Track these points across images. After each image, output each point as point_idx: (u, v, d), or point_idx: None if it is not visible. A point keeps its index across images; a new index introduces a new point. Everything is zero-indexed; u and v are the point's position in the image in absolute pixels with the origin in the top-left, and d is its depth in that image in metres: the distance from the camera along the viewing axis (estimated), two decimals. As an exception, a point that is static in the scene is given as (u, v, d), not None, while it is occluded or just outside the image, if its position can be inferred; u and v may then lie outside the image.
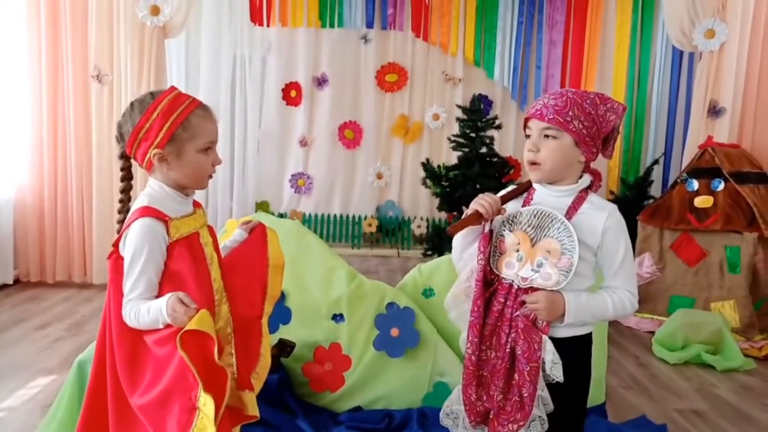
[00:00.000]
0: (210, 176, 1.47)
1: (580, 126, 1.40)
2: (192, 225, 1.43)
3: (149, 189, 1.42)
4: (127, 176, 1.49)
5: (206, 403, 1.23)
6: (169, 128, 1.37)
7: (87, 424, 1.42)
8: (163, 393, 1.28)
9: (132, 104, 1.42)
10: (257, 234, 1.60)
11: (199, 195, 5.43)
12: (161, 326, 1.30)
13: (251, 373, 1.45)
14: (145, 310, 1.30)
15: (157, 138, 1.37)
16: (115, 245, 1.39)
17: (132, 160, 1.47)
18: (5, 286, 4.22)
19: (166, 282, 1.35)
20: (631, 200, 4.82)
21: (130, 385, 1.33)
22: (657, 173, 5.33)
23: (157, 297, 1.34)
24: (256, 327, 1.47)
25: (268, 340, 1.51)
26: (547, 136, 1.42)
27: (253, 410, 1.40)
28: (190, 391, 1.25)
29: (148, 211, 1.36)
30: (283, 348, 2.32)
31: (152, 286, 1.34)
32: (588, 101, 1.41)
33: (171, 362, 1.28)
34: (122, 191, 1.48)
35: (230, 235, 1.65)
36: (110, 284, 1.39)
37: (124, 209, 1.45)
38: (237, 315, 1.45)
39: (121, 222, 1.43)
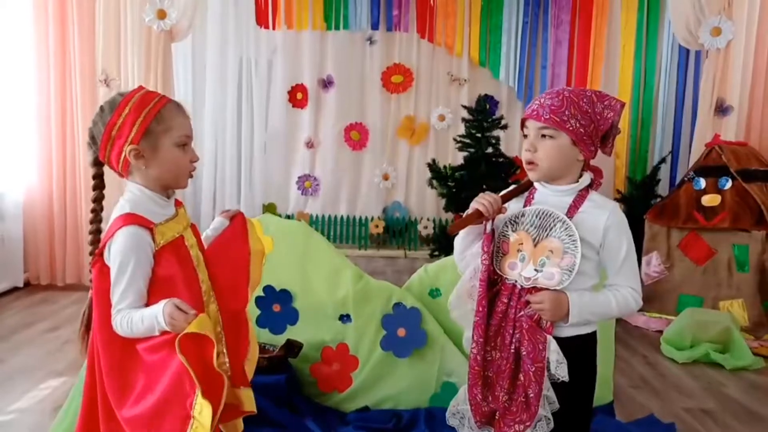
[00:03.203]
0: (191, 174, 1.44)
1: (577, 125, 1.39)
2: (176, 228, 1.39)
3: (129, 194, 1.38)
4: (100, 185, 1.45)
5: (202, 411, 1.20)
6: (142, 122, 1.34)
7: (85, 428, 1.41)
8: (157, 403, 1.25)
9: (101, 107, 1.39)
10: (237, 223, 1.54)
11: (207, 197, 5.42)
12: (157, 333, 1.27)
13: (243, 362, 1.42)
14: (138, 319, 1.27)
15: (131, 133, 1.33)
16: (99, 254, 1.35)
17: (105, 168, 1.43)
18: (16, 289, 4.26)
19: (155, 288, 1.32)
20: (638, 199, 4.80)
21: (119, 396, 1.29)
22: (664, 172, 5.30)
23: (147, 304, 1.31)
24: (242, 316, 1.44)
25: (253, 326, 1.48)
26: (544, 135, 1.42)
27: (250, 406, 1.38)
28: (186, 399, 1.22)
29: (131, 219, 1.32)
30: (291, 348, 2.33)
31: (141, 295, 1.31)
32: (585, 99, 1.41)
33: (165, 369, 1.25)
34: (94, 200, 1.44)
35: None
36: (95, 293, 1.35)
37: (97, 219, 1.42)
38: (225, 308, 1.42)
39: (94, 233, 1.41)
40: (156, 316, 1.25)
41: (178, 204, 1.46)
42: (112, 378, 1.31)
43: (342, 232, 6.09)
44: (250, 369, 1.43)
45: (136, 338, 1.30)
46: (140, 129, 1.34)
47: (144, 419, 1.27)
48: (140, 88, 1.41)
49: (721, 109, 4.24)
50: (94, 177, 1.44)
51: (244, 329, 1.43)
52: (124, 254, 1.30)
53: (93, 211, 1.44)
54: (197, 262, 1.41)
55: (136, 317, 1.28)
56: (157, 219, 1.36)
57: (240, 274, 1.46)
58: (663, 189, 5.18)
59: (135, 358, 1.31)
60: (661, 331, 3.54)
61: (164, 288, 1.31)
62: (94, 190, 1.45)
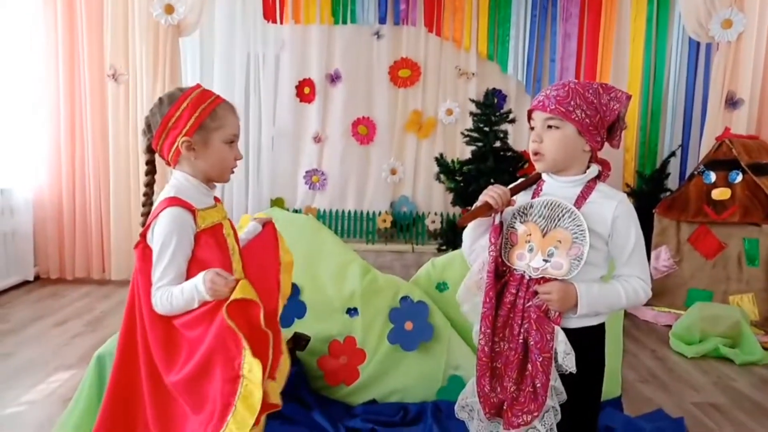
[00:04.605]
0: (232, 170, 1.52)
1: (583, 115, 1.40)
2: (215, 216, 1.47)
3: (174, 181, 1.45)
4: (152, 170, 1.52)
5: (252, 369, 1.27)
6: (198, 117, 1.42)
7: (108, 414, 1.44)
8: (200, 365, 1.31)
9: (161, 99, 1.47)
10: (269, 230, 1.62)
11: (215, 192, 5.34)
12: (196, 305, 1.33)
13: (276, 368, 1.46)
14: (179, 291, 1.33)
15: (186, 126, 1.41)
16: (143, 235, 1.42)
17: (156, 156, 1.50)
18: (26, 282, 4.30)
19: (193, 269, 1.38)
20: (648, 193, 4.78)
21: (167, 364, 1.36)
22: (674, 166, 5.27)
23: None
24: (273, 323, 1.48)
25: (283, 337, 1.53)
26: (550, 126, 1.43)
27: (275, 398, 1.41)
28: (233, 361, 1.28)
29: (175, 201, 1.39)
30: (298, 342, 2.34)
31: (181, 273, 1.37)
32: (590, 91, 1.42)
33: (204, 341, 1.31)
34: (147, 185, 1.51)
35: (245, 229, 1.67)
36: (138, 273, 1.42)
37: (149, 202, 1.48)
38: None
39: (145, 215, 1.46)
40: (196, 286, 1.31)
41: (217, 200, 1.54)
42: (160, 350, 1.38)
43: (349, 226, 6.10)
44: (281, 379, 1.46)
45: (174, 315, 1.36)
46: (195, 123, 1.42)
47: (188, 383, 1.33)
48: (198, 86, 1.50)
49: (732, 103, 4.20)
50: (147, 163, 1.51)
51: (277, 337, 1.45)
52: (167, 234, 1.36)
53: (145, 194, 1.50)
54: (233, 251, 1.48)
55: (176, 291, 1.34)
56: (198, 205, 1.43)
57: (271, 281, 1.52)
58: (673, 183, 5.16)
59: (179, 332, 1.37)
60: (670, 326, 3.52)
61: (201, 269, 1.37)
62: (146, 175, 1.52)
